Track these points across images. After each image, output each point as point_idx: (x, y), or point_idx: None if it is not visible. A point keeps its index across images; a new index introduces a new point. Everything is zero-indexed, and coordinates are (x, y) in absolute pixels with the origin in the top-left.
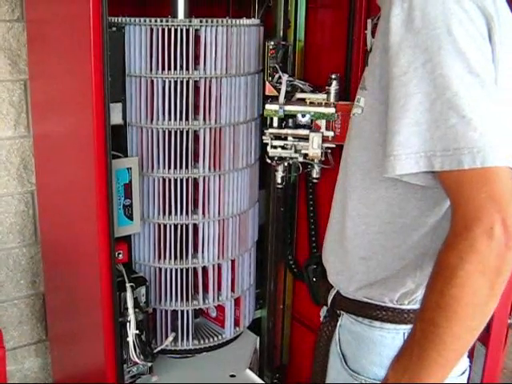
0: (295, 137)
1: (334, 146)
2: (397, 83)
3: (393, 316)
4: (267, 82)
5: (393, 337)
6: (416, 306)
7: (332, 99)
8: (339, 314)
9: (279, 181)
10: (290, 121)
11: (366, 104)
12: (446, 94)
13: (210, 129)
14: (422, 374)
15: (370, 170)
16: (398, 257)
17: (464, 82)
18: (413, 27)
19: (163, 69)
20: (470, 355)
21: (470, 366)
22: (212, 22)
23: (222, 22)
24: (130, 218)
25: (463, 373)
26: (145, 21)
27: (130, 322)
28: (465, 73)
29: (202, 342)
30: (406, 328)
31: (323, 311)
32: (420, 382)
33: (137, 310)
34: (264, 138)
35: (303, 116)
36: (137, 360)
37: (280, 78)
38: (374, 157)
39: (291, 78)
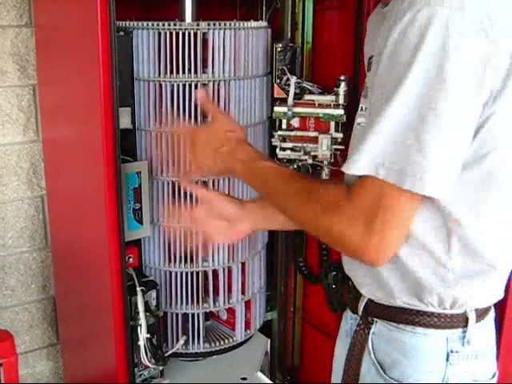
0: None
1: (343, 147)
2: (377, 91)
3: (436, 321)
4: (275, 85)
5: (437, 342)
6: (460, 311)
7: (341, 101)
8: (372, 322)
9: None
10: None
11: None
12: (414, 116)
13: None
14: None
15: None
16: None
17: (431, 113)
18: (405, 47)
19: (171, 72)
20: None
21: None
22: (220, 24)
23: (230, 24)
24: (140, 221)
25: (493, 376)
26: (152, 25)
27: (141, 325)
28: (437, 105)
29: (212, 344)
30: (449, 332)
31: (345, 318)
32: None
33: (148, 313)
34: (273, 140)
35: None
36: (148, 364)
37: (288, 80)
38: None
39: (299, 80)
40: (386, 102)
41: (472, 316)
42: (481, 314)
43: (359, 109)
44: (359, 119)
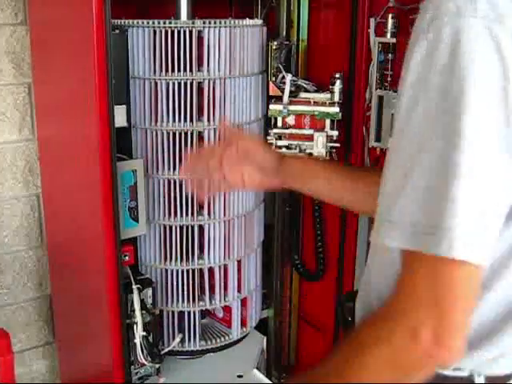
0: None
1: (338, 145)
2: (396, 132)
3: None
4: (271, 83)
5: None
6: (464, 374)
7: (336, 99)
8: None
9: None
10: None
11: None
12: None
13: (215, 130)
14: None
15: None
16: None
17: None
18: (432, 72)
19: (167, 70)
20: None
21: None
22: (215, 23)
23: (225, 22)
24: (136, 219)
25: None
26: (148, 23)
27: (137, 323)
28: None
29: (209, 342)
30: None
31: None
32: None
33: (144, 311)
34: (269, 138)
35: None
36: (144, 361)
37: (284, 78)
38: None
39: (295, 78)
40: (421, 151)
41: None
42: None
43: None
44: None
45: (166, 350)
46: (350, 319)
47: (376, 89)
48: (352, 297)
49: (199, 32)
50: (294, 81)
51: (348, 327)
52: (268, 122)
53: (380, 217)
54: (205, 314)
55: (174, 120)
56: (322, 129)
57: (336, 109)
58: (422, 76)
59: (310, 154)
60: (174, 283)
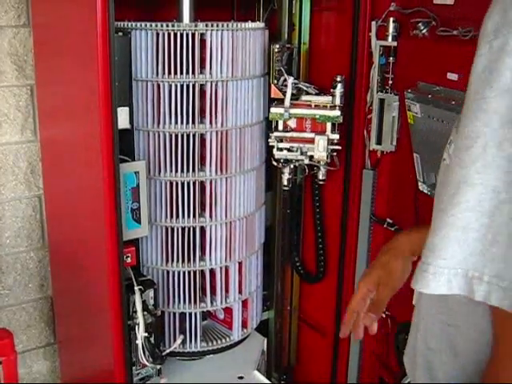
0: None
1: (339, 148)
2: (455, 159)
3: None
4: (273, 85)
5: None
6: None
7: (337, 102)
8: None
9: (285, 183)
10: None
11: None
12: None
13: (217, 132)
14: None
15: None
16: None
17: None
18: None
19: (169, 73)
20: None
21: None
22: (217, 25)
23: (228, 25)
24: (138, 221)
25: None
26: (151, 25)
27: (138, 324)
28: None
29: (210, 344)
30: None
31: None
32: None
33: (145, 312)
34: (270, 140)
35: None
36: (146, 362)
37: (285, 80)
38: None
39: (296, 81)
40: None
41: None
42: None
43: (448, 141)
44: (444, 154)
45: (168, 351)
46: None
47: (377, 92)
48: (405, 328)
49: (202, 35)
50: (295, 84)
51: (401, 357)
52: (269, 125)
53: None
54: (206, 315)
55: (176, 122)
56: (323, 132)
57: (337, 112)
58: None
59: (311, 157)
60: (176, 284)
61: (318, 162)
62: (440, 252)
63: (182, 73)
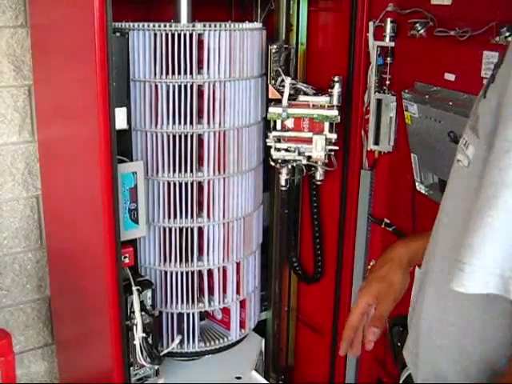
0: (298, 140)
1: (337, 148)
2: (494, 161)
3: None
4: (270, 86)
5: None
6: None
7: (335, 102)
8: None
9: (283, 183)
10: None
11: (477, 158)
12: None
13: (214, 132)
14: None
15: None
16: None
17: None
18: None
19: (167, 73)
20: None
21: None
22: (215, 26)
23: (225, 26)
24: (136, 221)
25: None
26: (148, 26)
27: (136, 325)
28: None
29: (207, 344)
30: None
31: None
32: None
33: (143, 313)
34: (268, 140)
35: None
36: (143, 363)
37: (283, 81)
38: None
39: (294, 81)
40: None
41: None
42: None
43: (461, 141)
44: (459, 155)
45: (165, 351)
46: (399, 344)
47: (374, 92)
48: (401, 321)
49: (199, 35)
50: (293, 84)
51: (398, 352)
52: (267, 125)
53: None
54: (204, 315)
55: (174, 122)
56: (321, 132)
57: (335, 112)
58: None
59: (309, 157)
60: (174, 285)
61: (316, 162)
62: (477, 252)
63: (179, 73)
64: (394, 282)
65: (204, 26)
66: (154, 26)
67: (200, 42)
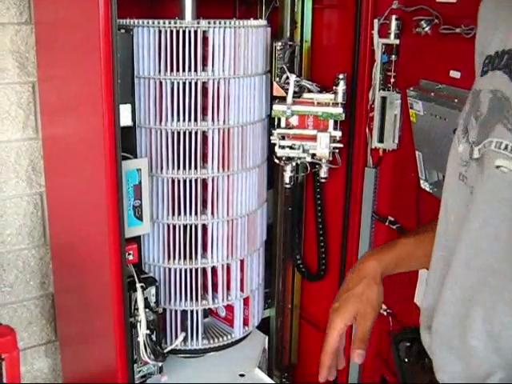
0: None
1: (341, 145)
2: None
3: None
4: (275, 83)
5: None
6: None
7: (340, 99)
8: None
9: (287, 180)
10: None
11: None
12: None
13: (219, 129)
14: None
15: None
16: None
17: None
18: None
19: (172, 70)
20: None
21: None
22: (220, 23)
23: (230, 23)
24: (140, 218)
25: None
26: (153, 23)
27: (140, 322)
28: None
29: (211, 341)
30: None
31: None
32: None
33: (147, 310)
34: (272, 138)
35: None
36: (147, 360)
37: (287, 78)
38: None
39: (298, 79)
40: None
41: None
42: None
43: (494, 144)
44: (498, 161)
45: (169, 348)
46: (406, 361)
47: (379, 90)
48: (408, 335)
49: (204, 32)
50: (297, 81)
51: (404, 370)
52: (271, 122)
53: None
54: (207, 313)
55: (178, 119)
56: (326, 129)
57: (339, 109)
58: None
59: (314, 155)
60: (177, 282)
61: (320, 159)
62: None
63: (184, 70)
64: (371, 299)
65: (209, 22)
66: (158, 22)
67: (205, 39)
